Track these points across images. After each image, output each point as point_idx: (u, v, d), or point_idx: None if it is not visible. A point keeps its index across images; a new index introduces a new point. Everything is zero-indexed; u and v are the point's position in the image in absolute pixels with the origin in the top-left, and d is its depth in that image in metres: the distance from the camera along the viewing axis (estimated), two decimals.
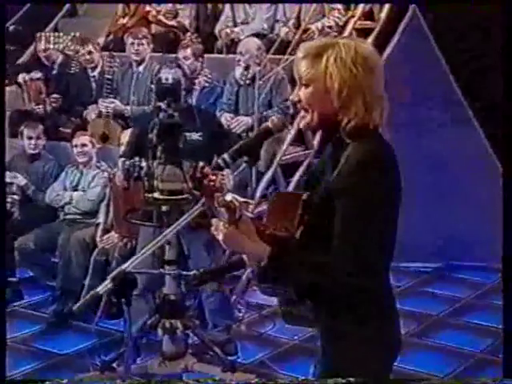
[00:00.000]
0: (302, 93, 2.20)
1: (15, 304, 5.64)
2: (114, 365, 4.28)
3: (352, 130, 2.15)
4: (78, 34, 6.92)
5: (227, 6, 6.81)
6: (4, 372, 3.15)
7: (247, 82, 5.72)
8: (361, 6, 6.84)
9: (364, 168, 2.10)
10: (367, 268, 2.09)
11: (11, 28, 7.88)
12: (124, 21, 7.04)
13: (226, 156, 2.17)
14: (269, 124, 2.25)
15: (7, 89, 7.37)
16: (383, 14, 6.93)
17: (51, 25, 7.83)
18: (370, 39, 6.85)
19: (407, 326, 5.38)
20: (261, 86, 5.59)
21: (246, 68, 5.68)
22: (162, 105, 4.25)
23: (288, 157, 6.00)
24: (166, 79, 4.53)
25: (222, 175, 3.61)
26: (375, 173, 2.10)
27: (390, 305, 2.28)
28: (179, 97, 4.50)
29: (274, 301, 6.15)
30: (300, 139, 6.17)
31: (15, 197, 5.78)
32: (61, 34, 7.06)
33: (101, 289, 3.37)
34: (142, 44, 6.32)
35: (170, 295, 4.28)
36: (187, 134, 4.49)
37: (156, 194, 4.15)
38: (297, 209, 2.17)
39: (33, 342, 5.16)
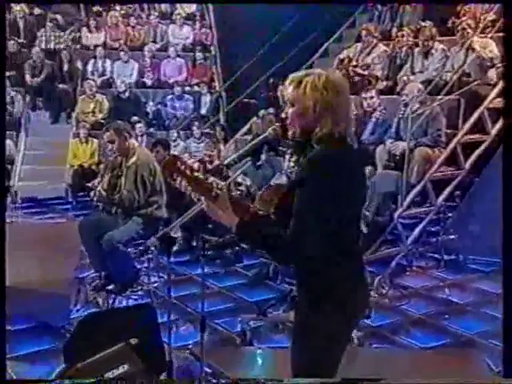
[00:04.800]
0: (289, 112, 2.19)
1: (236, 265, 5.96)
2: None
3: (320, 138, 2.12)
4: None
5: (409, 59, 6.63)
6: (4, 372, 2.76)
7: (405, 115, 5.53)
8: None
9: (311, 167, 2.07)
10: (311, 240, 2.03)
11: (272, 80, 8.37)
12: None
13: (234, 156, 2.26)
14: (267, 134, 2.29)
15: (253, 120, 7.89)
16: None
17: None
18: None
19: None
20: (413, 118, 5.35)
21: (405, 105, 5.50)
22: None
23: (439, 174, 5.68)
24: None
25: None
26: (319, 170, 2.06)
27: (353, 280, 2.18)
28: None
29: (417, 283, 5.82)
30: (453, 160, 5.81)
31: (243, 191, 6.18)
32: None
33: (150, 243, 3.49)
34: None
35: None
36: None
37: None
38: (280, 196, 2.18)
39: (235, 291, 5.34)
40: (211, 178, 2.10)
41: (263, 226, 2.11)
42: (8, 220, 7.84)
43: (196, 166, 2.07)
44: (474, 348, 4.25)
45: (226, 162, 2.29)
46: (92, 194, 4.69)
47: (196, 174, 2.07)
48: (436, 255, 6.00)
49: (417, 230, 5.61)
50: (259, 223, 2.13)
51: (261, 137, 2.31)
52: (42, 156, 9.10)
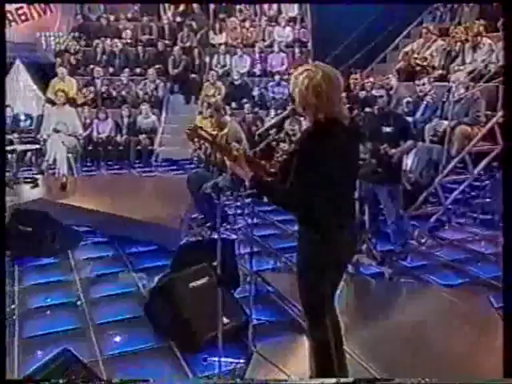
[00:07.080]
0: None
1: None
2: None
3: (309, 121, 2.20)
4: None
5: (461, 52, 6.26)
6: (4, 372, 2.42)
7: (448, 99, 5.29)
8: None
9: (300, 141, 2.17)
10: (300, 194, 2.11)
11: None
12: (398, 65, 6.86)
13: (265, 128, 2.41)
14: (287, 112, 2.40)
15: None
16: None
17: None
18: None
19: None
20: (456, 102, 5.12)
21: (449, 91, 5.27)
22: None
23: (477, 148, 5.41)
24: (373, 94, 4.54)
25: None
26: (304, 143, 2.14)
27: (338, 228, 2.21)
28: (374, 104, 4.46)
29: (452, 236, 5.66)
30: (491, 137, 5.50)
31: None
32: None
33: (208, 191, 3.60)
34: (388, 78, 6.12)
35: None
36: (383, 127, 4.45)
37: None
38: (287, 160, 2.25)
39: None
40: (233, 144, 2.26)
41: (271, 181, 2.24)
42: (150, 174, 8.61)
43: (214, 133, 2.22)
44: (485, 288, 4.14)
45: (258, 132, 2.44)
46: (194, 157, 5.02)
47: (217, 139, 2.19)
48: (473, 214, 5.78)
49: (454, 193, 5.44)
50: (268, 179, 2.26)
51: (283, 114, 2.44)
52: (177, 128, 9.64)
